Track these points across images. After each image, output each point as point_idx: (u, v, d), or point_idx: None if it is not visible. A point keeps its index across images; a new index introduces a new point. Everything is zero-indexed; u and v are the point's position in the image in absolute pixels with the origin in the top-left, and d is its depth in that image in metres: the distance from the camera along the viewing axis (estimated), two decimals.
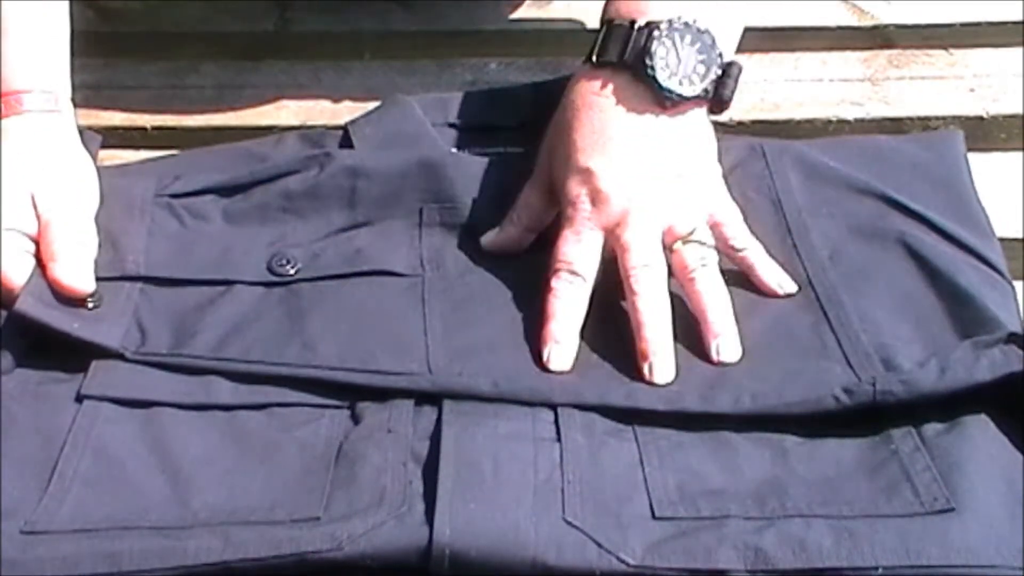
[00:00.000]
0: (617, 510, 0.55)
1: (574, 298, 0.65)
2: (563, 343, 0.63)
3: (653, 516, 0.55)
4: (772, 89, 0.87)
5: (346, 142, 0.78)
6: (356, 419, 0.60)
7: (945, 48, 0.90)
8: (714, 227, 0.67)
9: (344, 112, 0.84)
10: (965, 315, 0.64)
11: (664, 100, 0.67)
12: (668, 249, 0.65)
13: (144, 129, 0.85)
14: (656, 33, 0.67)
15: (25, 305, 0.63)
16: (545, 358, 0.63)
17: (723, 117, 0.84)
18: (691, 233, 0.65)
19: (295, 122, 0.85)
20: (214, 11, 0.96)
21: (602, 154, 0.67)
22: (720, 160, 0.71)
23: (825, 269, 0.68)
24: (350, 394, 0.61)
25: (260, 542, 0.53)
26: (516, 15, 0.96)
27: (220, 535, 0.54)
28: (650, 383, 0.62)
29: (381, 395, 0.61)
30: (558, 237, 0.67)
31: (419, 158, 0.75)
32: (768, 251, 0.68)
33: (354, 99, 0.86)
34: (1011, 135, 0.83)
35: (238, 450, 0.59)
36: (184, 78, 0.89)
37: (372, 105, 0.81)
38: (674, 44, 0.67)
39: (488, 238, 0.70)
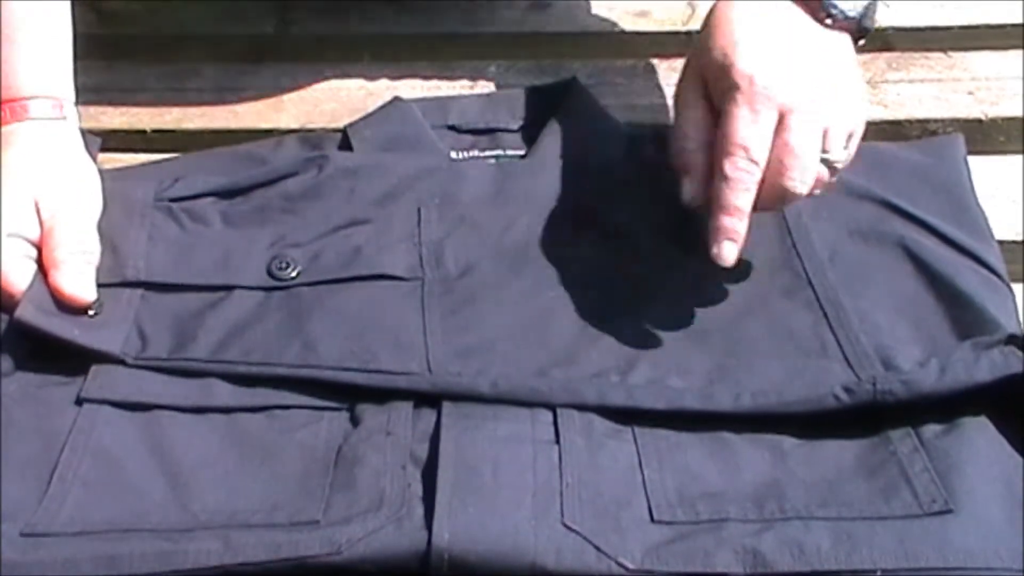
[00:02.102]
0: (616, 513, 0.55)
1: (750, 187, 0.62)
2: (738, 240, 0.62)
3: (652, 519, 0.55)
4: None
5: (345, 144, 0.79)
6: (355, 421, 0.61)
7: (944, 51, 0.90)
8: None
9: (343, 115, 0.84)
10: (964, 317, 0.65)
11: (826, 16, 0.66)
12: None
13: (144, 132, 0.85)
14: None
15: (26, 313, 0.63)
16: (715, 253, 0.62)
17: None
18: (838, 148, 0.64)
19: (295, 125, 0.85)
20: (214, 14, 0.96)
21: (776, 46, 0.64)
22: None
23: (825, 270, 0.68)
24: (349, 396, 0.62)
25: (259, 546, 0.53)
26: (515, 18, 0.96)
27: (220, 538, 0.54)
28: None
29: (380, 397, 0.61)
30: (727, 116, 0.63)
31: (418, 160, 0.75)
32: (765, 248, 0.68)
33: (353, 102, 0.86)
34: (1010, 138, 0.83)
35: (238, 452, 0.59)
36: (184, 81, 0.89)
37: (371, 108, 0.81)
38: None
39: (686, 192, 0.65)
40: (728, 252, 0.62)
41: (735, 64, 0.63)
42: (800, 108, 0.63)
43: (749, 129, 0.62)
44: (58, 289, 0.64)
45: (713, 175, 0.64)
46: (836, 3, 0.66)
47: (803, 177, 0.63)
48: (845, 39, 0.68)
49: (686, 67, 0.69)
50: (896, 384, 0.58)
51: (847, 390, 0.59)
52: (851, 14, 0.67)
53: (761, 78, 0.63)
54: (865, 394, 0.58)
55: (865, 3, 0.67)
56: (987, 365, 0.58)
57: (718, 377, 0.62)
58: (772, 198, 0.63)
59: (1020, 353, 0.58)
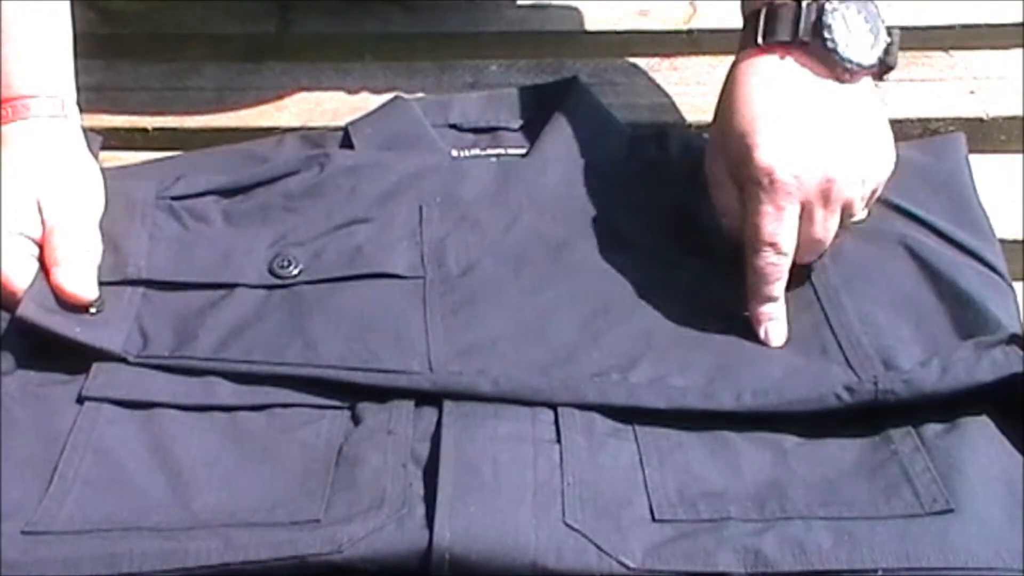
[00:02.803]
0: (617, 513, 0.55)
1: (782, 276, 0.65)
2: (779, 318, 0.65)
3: (653, 519, 0.55)
4: None
5: (346, 143, 0.79)
6: (356, 420, 0.61)
7: (945, 50, 0.90)
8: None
9: (345, 113, 0.84)
10: (966, 316, 0.65)
11: (844, 72, 0.67)
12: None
13: (145, 130, 0.85)
14: (828, 8, 0.67)
15: (28, 311, 0.63)
16: (763, 335, 0.64)
17: None
18: (860, 210, 0.67)
19: (296, 123, 0.85)
20: (215, 13, 0.96)
21: (793, 125, 0.65)
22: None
23: (826, 270, 0.68)
24: (350, 395, 0.62)
25: (260, 544, 0.53)
26: (516, 17, 0.96)
27: (220, 537, 0.54)
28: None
29: (381, 396, 0.61)
30: (752, 212, 0.65)
31: (419, 158, 0.75)
32: None
33: (355, 101, 0.86)
34: (1011, 137, 0.83)
35: (238, 451, 0.59)
36: (185, 80, 0.89)
37: (373, 106, 0.81)
38: (844, 17, 0.67)
39: None
40: (775, 334, 0.65)
41: (755, 156, 0.65)
42: (822, 197, 0.65)
43: (774, 226, 0.65)
44: (59, 287, 0.64)
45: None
46: (851, 57, 0.67)
47: (821, 249, 0.67)
48: (866, 84, 0.68)
49: (711, 143, 0.71)
50: (898, 384, 0.58)
51: (849, 389, 0.59)
52: (867, 63, 0.67)
53: (781, 173, 0.64)
54: (867, 393, 0.58)
55: (882, 47, 0.68)
56: (988, 365, 0.58)
57: (719, 376, 0.62)
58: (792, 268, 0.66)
59: (1021, 352, 0.58)
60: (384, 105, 0.81)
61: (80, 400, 0.61)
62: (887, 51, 0.68)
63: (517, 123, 0.81)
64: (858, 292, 0.67)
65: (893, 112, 0.74)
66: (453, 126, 0.80)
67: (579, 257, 0.69)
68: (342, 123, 0.81)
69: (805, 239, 0.65)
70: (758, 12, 0.69)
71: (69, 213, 0.67)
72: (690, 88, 0.88)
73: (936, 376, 0.58)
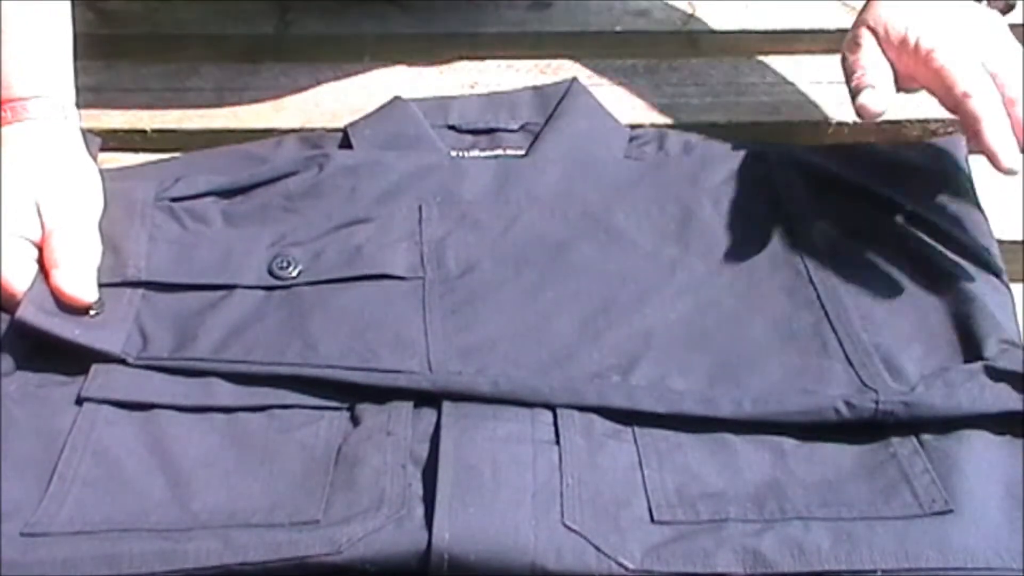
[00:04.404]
0: (616, 513, 0.55)
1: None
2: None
3: (652, 520, 0.55)
4: (771, 91, 0.87)
5: (346, 144, 0.79)
6: (355, 421, 0.61)
7: None
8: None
9: (344, 114, 0.84)
10: (965, 314, 0.65)
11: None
12: None
13: (144, 131, 0.85)
14: None
15: (27, 313, 0.63)
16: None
17: (723, 119, 0.84)
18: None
19: (295, 124, 0.85)
20: (214, 13, 0.96)
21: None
22: (720, 166, 0.73)
23: (826, 267, 0.68)
24: (350, 396, 0.62)
25: (260, 545, 0.53)
26: (516, 18, 0.96)
27: (220, 538, 0.54)
28: None
29: (380, 397, 0.61)
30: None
31: (419, 158, 0.75)
32: (766, 247, 0.69)
33: (354, 101, 0.86)
34: None
35: (238, 452, 0.59)
36: (184, 80, 0.89)
37: (372, 107, 0.81)
38: None
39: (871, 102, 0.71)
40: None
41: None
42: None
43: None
44: (59, 290, 0.64)
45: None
46: None
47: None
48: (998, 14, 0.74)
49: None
50: (898, 406, 0.59)
51: (848, 404, 0.59)
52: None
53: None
54: (867, 412, 0.59)
55: None
56: (992, 398, 0.59)
57: (719, 377, 0.62)
58: None
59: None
60: (383, 106, 0.81)
61: (79, 401, 0.61)
62: None
63: (516, 124, 0.81)
64: (858, 290, 0.67)
65: (892, 113, 0.74)
66: (452, 127, 0.80)
67: (579, 257, 0.69)
68: (341, 124, 0.81)
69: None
70: None
71: (68, 215, 0.67)
72: (689, 88, 0.88)
73: (938, 402, 0.59)
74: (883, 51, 0.73)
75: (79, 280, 0.65)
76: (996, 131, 0.66)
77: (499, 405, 0.60)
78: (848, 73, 0.73)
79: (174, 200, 0.72)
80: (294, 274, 0.68)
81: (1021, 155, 0.66)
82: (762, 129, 0.84)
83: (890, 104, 0.70)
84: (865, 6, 0.76)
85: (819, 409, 0.59)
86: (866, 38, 0.74)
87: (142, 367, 0.63)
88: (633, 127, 0.81)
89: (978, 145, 0.66)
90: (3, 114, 0.70)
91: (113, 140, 0.81)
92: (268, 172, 0.74)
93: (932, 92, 0.71)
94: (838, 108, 0.85)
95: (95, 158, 0.73)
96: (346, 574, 0.53)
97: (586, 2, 0.96)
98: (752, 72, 0.89)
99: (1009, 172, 0.65)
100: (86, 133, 0.74)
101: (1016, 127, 0.67)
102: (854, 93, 0.71)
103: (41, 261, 0.66)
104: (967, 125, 0.67)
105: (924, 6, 0.72)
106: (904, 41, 0.71)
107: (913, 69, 0.72)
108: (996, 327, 0.63)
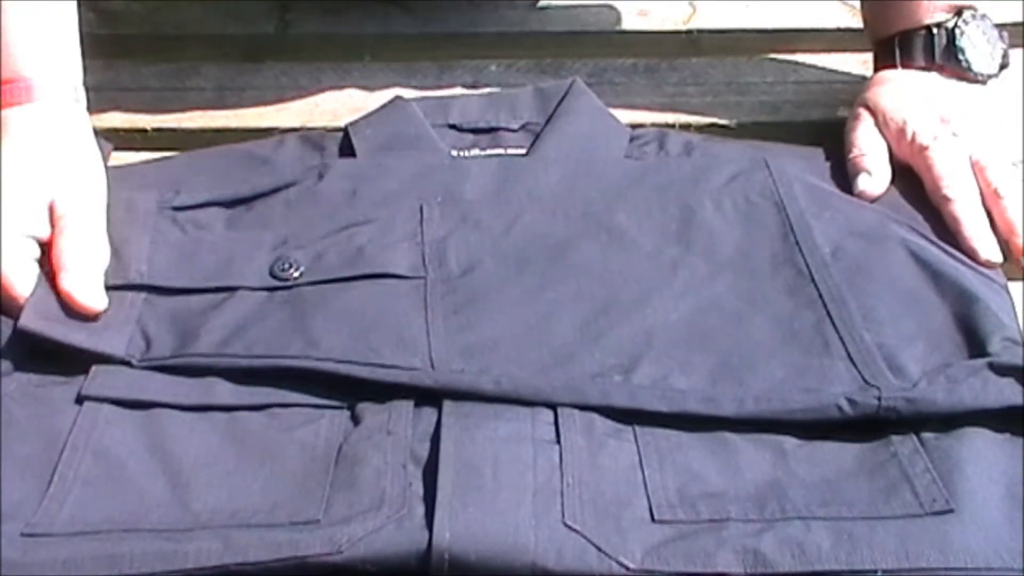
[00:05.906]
0: (616, 513, 0.55)
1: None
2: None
3: (652, 519, 0.55)
4: (772, 91, 0.87)
5: (346, 143, 0.79)
6: (356, 420, 0.60)
7: None
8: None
9: (344, 113, 0.84)
10: (967, 313, 0.65)
11: (974, 80, 0.78)
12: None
13: (145, 131, 0.85)
14: (957, 33, 0.78)
15: (29, 322, 0.63)
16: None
17: (723, 119, 0.84)
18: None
19: (296, 123, 0.85)
20: (215, 13, 0.96)
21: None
22: (721, 166, 0.73)
23: (827, 266, 0.68)
24: (350, 395, 0.61)
25: (260, 545, 0.53)
26: (516, 18, 0.96)
27: (220, 538, 0.54)
28: None
29: (381, 396, 0.61)
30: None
31: (419, 159, 0.75)
32: (768, 246, 0.70)
33: (354, 101, 0.86)
34: None
35: (238, 451, 0.59)
36: (185, 80, 0.89)
37: (372, 107, 0.81)
38: (970, 38, 0.78)
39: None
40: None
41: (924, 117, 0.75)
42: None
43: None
44: (68, 295, 0.64)
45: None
46: (981, 71, 0.78)
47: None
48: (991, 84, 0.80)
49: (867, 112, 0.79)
50: (900, 402, 0.58)
51: (851, 402, 0.59)
52: (993, 72, 0.79)
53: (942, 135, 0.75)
54: (869, 409, 0.59)
55: (1000, 54, 0.79)
56: (995, 394, 0.58)
57: (721, 376, 0.62)
58: None
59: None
60: (384, 105, 0.81)
61: (79, 400, 0.61)
62: (1004, 55, 0.80)
63: (517, 123, 0.81)
64: (860, 289, 0.67)
65: None
66: (453, 126, 0.80)
67: (580, 257, 0.69)
68: (342, 123, 0.81)
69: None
70: (891, 40, 0.80)
71: (80, 216, 0.67)
72: (689, 88, 0.88)
73: (940, 397, 0.59)
74: (882, 134, 0.77)
75: (89, 287, 0.65)
76: (974, 232, 0.70)
77: (500, 404, 0.60)
78: (848, 145, 0.77)
79: (176, 209, 0.72)
80: (296, 275, 0.68)
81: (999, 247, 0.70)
82: (763, 129, 0.84)
83: (886, 185, 0.74)
84: (867, 85, 0.80)
85: (822, 407, 0.59)
86: (865, 119, 0.78)
87: (144, 368, 0.63)
88: (633, 127, 0.81)
89: (959, 243, 0.70)
90: (17, 94, 0.68)
91: (114, 139, 0.81)
92: (269, 183, 0.74)
93: (922, 180, 0.75)
94: (839, 108, 0.85)
95: (106, 160, 0.73)
96: (346, 574, 0.52)
97: (586, 2, 0.96)
98: (752, 72, 0.89)
99: (988, 265, 0.69)
100: (98, 135, 0.73)
101: (999, 219, 0.71)
102: (852, 173, 0.75)
103: (44, 260, 0.65)
104: (947, 224, 0.71)
105: (922, 99, 0.77)
106: (902, 132, 0.76)
107: (908, 158, 0.75)
108: (999, 326, 0.63)
